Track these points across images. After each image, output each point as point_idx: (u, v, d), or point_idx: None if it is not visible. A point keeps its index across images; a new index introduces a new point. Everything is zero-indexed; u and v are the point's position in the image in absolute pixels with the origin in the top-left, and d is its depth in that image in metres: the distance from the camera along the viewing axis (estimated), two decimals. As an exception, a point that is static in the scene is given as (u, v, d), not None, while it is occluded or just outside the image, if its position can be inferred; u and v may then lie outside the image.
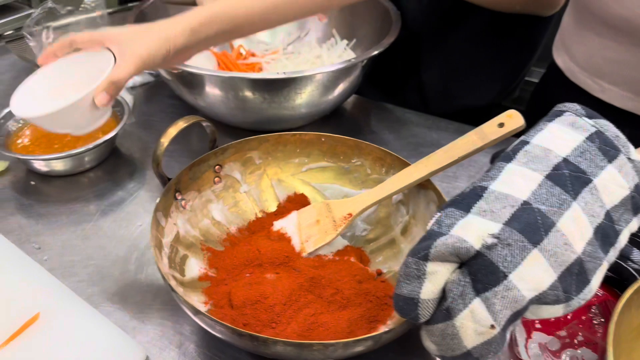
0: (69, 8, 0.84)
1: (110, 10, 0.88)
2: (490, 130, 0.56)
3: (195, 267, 0.60)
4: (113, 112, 0.85)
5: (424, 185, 0.61)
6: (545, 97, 0.92)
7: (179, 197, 0.62)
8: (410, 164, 0.62)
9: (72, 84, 0.57)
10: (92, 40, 0.59)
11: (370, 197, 0.62)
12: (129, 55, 0.55)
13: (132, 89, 1.02)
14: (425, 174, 0.59)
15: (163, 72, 0.84)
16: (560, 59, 0.84)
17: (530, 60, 1.09)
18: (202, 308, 0.55)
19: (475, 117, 0.96)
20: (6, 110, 0.83)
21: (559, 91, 0.84)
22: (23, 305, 0.59)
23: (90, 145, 0.77)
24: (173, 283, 0.51)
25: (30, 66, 1.05)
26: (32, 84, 0.60)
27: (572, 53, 0.80)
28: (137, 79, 1.03)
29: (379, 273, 0.61)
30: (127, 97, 0.93)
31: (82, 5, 0.84)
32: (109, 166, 0.82)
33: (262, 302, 0.53)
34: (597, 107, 0.55)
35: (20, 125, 0.83)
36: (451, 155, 0.57)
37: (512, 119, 0.55)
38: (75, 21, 0.83)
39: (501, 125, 0.55)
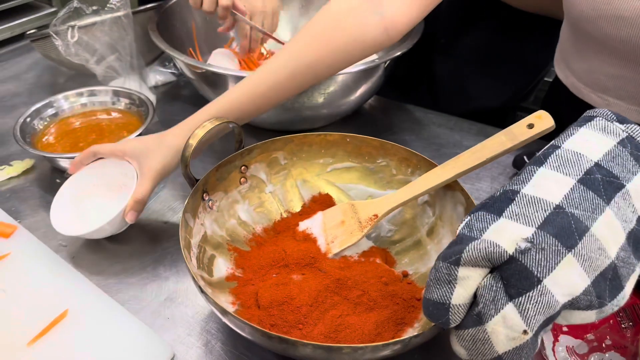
0: (95, 7, 0.85)
1: (134, 10, 0.88)
2: (520, 131, 0.55)
3: (222, 267, 0.60)
4: (137, 111, 0.86)
5: (451, 186, 0.60)
6: (554, 114, 0.91)
7: (207, 198, 0.62)
8: (437, 165, 0.61)
9: (100, 185, 0.70)
10: (113, 154, 0.68)
11: (397, 198, 0.62)
12: (146, 172, 0.64)
13: (155, 88, 1.02)
14: (452, 175, 0.58)
15: (187, 72, 0.85)
16: (562, 74, 0.82)
17: (548, 63, 1.07)
18: (230, 308, 0.56)
19: (490, 119, 0.96)
20: (32, 109, 0.84)
21: (566, 107, 0.82)
22: (52, 302, 0.60)
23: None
24: (202, 283, 0.51)
25: (55, 65, 1.06)
26: (66, 195, 0.69)
27: (573, 69, 0.78)
28: (159, 78, 1.03)
29: (405, 275, 0.61)
30: (150, 96, 0.93)
31: (108, 5, 0.84)
32: (132, 165, 0.83)
33: (289, 303, 0.54)
34: None
35: (46, 123, 0.84)
36: (479, 157, 0.57)
37: (542, 120, 0.54)
38: (101, 20, 0.84)
39: (531, 126, 0.54)
